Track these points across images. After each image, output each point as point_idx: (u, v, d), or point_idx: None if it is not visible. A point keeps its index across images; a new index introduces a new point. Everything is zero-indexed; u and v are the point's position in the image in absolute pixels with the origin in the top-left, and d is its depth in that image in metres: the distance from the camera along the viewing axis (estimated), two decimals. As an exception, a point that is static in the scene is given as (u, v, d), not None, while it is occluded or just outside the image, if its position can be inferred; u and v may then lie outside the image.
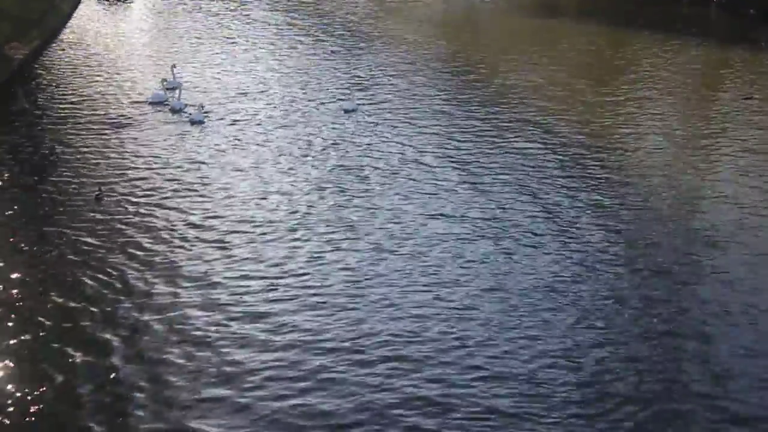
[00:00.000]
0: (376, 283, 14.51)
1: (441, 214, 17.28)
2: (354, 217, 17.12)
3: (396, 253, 15.59)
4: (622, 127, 23.02)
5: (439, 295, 14.08)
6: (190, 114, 23.17)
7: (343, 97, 24.95)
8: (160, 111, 24.19)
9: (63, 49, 31.39)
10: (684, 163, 20.22)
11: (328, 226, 16.76)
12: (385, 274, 14.81)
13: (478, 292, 14.24)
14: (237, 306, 13.87)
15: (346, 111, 23.59)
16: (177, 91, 24.55)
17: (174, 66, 26.30)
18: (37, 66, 28.88)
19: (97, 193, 18.13)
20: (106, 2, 40.81)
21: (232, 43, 32.74)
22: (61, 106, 24.68)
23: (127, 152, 20.93)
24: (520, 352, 12.48)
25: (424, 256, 15.49)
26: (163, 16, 37.96)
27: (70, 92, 25.90)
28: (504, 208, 17.36)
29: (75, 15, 38.23)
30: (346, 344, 12.69)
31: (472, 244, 15.90)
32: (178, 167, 19.85)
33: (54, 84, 26.19)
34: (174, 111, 23.91)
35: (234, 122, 23.39)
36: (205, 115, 23.24)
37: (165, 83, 25.13)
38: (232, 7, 39.66)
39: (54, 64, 29.08)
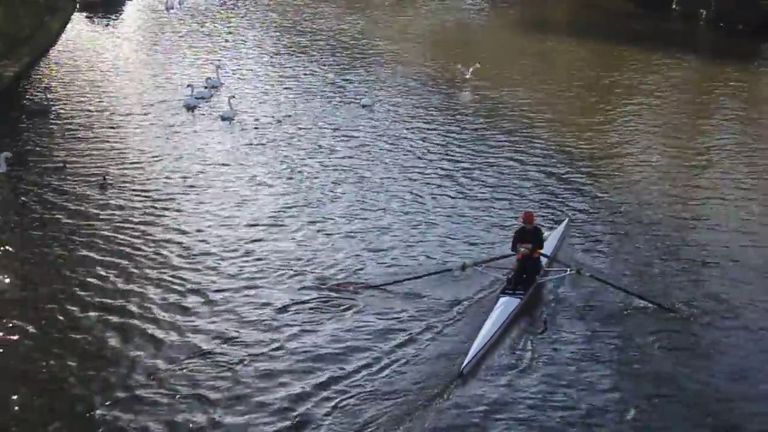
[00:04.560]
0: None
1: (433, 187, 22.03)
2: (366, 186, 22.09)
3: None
4: (611, 142, 26.12)
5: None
6: (222, 111, 27.60)
7: (360, 95, 29.93)
8: (176, 110, 28.51)
9: (53, 66, 35.02)
10: (673, 178, 22.68)
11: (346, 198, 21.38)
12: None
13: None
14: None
15: (364, 106, 28.56)
16: (191, 89, 28.62)
17: (219, 67, 31.25)
18: (27, 82, 32.47)
19: (101, 181, 21.67)
20: (95, 19, 42.53)
21: (232, 54, 36.90)
22: (62, 110, 28.36)
23: (159, 146, 25.02)
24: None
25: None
26: (150, 32, 42.03)
27: (64, 102, 29.35)
28: (483, 216, 20.27)
29: (65, 32, 39.84)
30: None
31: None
32: (214, 158, 24.04)
33: (47, 96, 29.13)
34: (188, 107, 28.10)
35: (261, 117, 27.76)
36: (235, 111, 27.64)
37: (209, 81, 30.03)
38: (221, 23, 42.86)
39: (44, 80, 32.53)
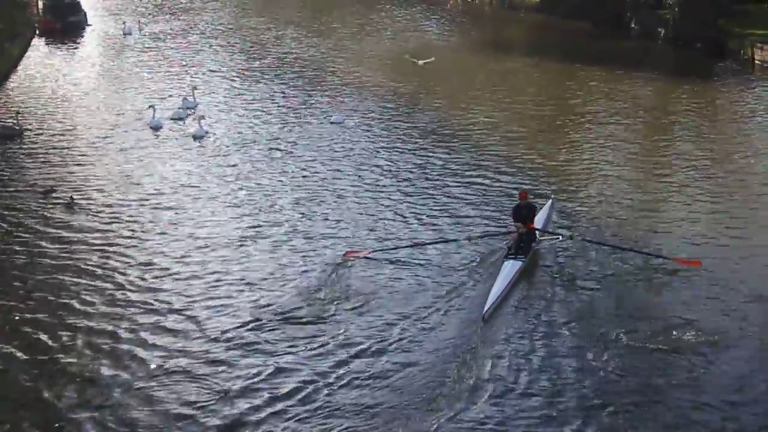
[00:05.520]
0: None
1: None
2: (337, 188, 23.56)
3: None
4: (571, 161, 26.69)
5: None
6: (193, 131, 28.35)
7: (331, 113, 30.84)
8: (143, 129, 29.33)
9: (16, 91, 35.61)
10: (632, 193, 23.19)
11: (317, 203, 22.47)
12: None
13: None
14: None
15: (334, 123, 29.56)
16: (153, 110, 29.45)
17: (195, 88, 32.40)
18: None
19: (68, 201, 22.12)
20: (55, 44, 42.96)
21: (198, 76, 37.47)
22: (28, 132, 28.86)
23: (126, 166, 25.54)
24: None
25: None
26: (111, 56, 42.76)
27: (30, 125, 29.79)
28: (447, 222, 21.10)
29: (25, 57, 40.05)
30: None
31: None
32: (182, 177, 24.57)
33: (17, 120, 29.21)
34: (154, 128, 28.93)
35: (233, 135, 28.57)
36: (207, 130, 28.39)
37: (184, 102, 30.94)
38: (183, 48, 44.13)
39: (10, 104, 32.96)
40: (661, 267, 18.08)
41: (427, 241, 19.25)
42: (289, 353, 15.05)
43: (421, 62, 33.32)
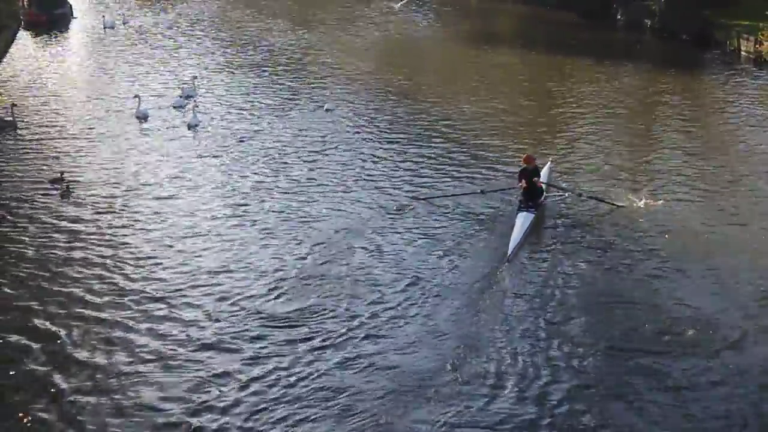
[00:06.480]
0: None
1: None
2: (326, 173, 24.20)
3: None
4: (562, 143, 27.53)
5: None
6: (189, 118, 28.78)
7: (324, 101, 31.48)
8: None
9: (3, 83, 35.49)
10: (619, 186, 23.29)
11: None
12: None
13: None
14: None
15: (328, 110, 30.33)
16: (138, 100, 29.70)
17: (195, 77, 32.99)
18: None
19: (62, 190, 22.40)
20: (41, 37, 43.02)
21: (186, 67, 37.61)
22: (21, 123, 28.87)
23: (116, 155, 25.78)
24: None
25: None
26: (98, 49, 42.61)
27: (23, 116, 29.73)
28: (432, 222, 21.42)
29: (11, 50, 40.09)
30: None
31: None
32: (182, 164, 24.97)
33: (12, 111, 28.97)
34: (141, 118, 29.38)
35: (227, 124, 29.06)
36: (201, 119, 28.86)
37: (184, 91, 31.61)
38: (170, 40, 44.43)
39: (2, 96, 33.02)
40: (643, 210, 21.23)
41: (455, 193, 22.18)
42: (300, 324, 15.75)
43: (397, 6, 34.30)
